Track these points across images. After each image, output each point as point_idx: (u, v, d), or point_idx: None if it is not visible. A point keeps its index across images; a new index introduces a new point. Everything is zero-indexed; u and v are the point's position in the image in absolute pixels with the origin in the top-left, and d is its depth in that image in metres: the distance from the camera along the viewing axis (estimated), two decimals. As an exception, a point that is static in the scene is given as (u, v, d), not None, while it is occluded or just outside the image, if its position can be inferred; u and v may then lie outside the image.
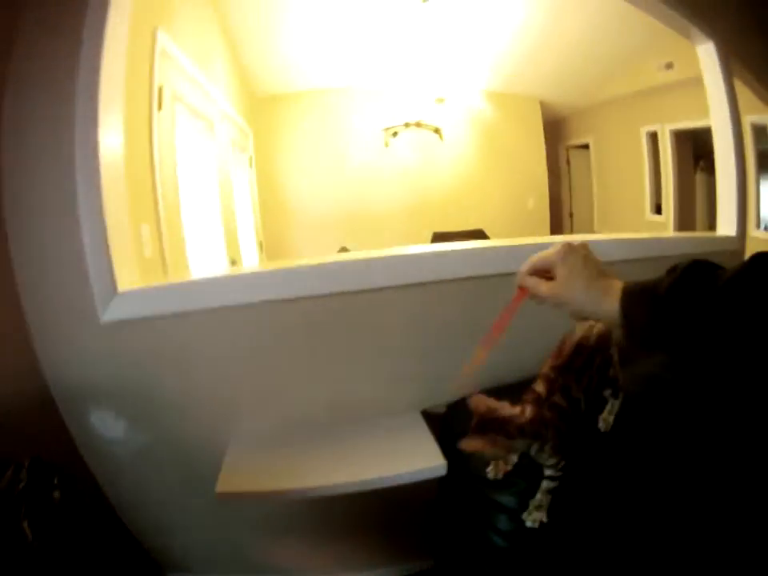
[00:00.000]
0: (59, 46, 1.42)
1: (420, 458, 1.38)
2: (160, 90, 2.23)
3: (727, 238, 2.29)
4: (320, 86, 5.72)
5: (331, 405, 1.62)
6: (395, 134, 6.23)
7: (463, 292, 1.63)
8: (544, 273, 0.86)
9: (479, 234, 6.15)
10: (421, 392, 1.66)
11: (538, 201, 7.21)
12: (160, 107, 2.24)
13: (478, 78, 5.53)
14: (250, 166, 5.01)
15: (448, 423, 1.56)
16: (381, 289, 1.57)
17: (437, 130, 6.40)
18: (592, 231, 7.51)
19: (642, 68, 5.41)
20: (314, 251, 5.53)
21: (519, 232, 6.69)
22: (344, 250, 4.89)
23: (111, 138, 1.49)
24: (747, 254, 2.01)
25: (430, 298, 1.62)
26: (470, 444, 0.96)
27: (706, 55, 2.33)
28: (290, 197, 5.98)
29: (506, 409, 1.01)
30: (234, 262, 3.44)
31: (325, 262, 1.55)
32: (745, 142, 4.47)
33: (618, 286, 0.78)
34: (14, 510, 1.17)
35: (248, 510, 1.66)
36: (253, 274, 1.58)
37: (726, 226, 2.34)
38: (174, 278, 2.08)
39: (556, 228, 8.08)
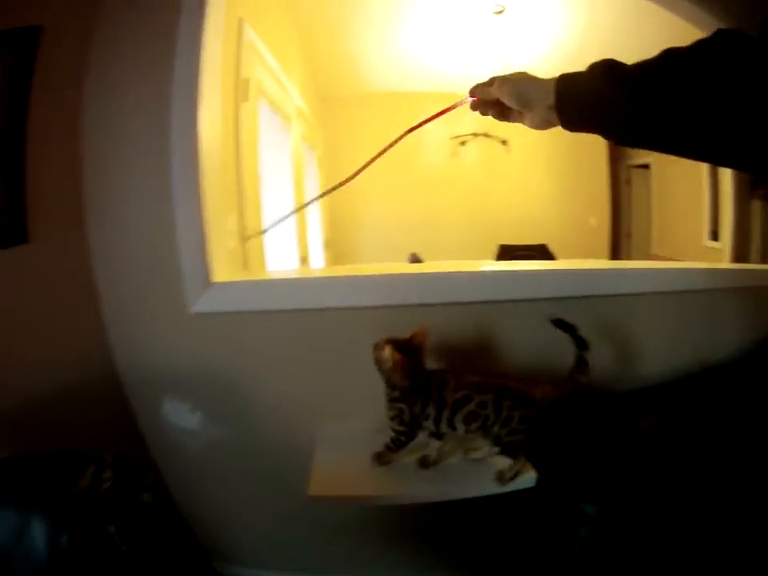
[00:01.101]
0: (154, 29, 1.40)
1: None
2: (246, 82, 2.20)
3: None
4: (390, 89, 5.71)
5: None
6: (463, 143, 6.17)
7: (530, 311, 1.57)
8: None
9: (543, 249, 6.09)
10: None
11: (599, 219, 7.14)
12: (246, 98, 2.21)
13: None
14: (319, 164, 5.01)
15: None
16: (483, 302, 1.53)
17: (504, 142, 6.30)
18: (649, 252, 7.35)
19: None
20: (377, 253, 5.55)
21: (580, 249, 6.60)
22: (414, 257, 4.82)
23: (209, 124, 1.45)
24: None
25: (511, 314, 1.58)
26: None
27: None
28: (356, 198, 5.87)
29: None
30: (303, 259, 3.40)
31: (424, 273, 1.53)
32: None
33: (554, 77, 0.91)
34: (100, 512, 1.13)
35: (315, 512, 1.60)
36: (348, 278, 1.54)
37: None
38: (254, 271, 2.06)
39: (614, 248, 7.99)
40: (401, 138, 1.20)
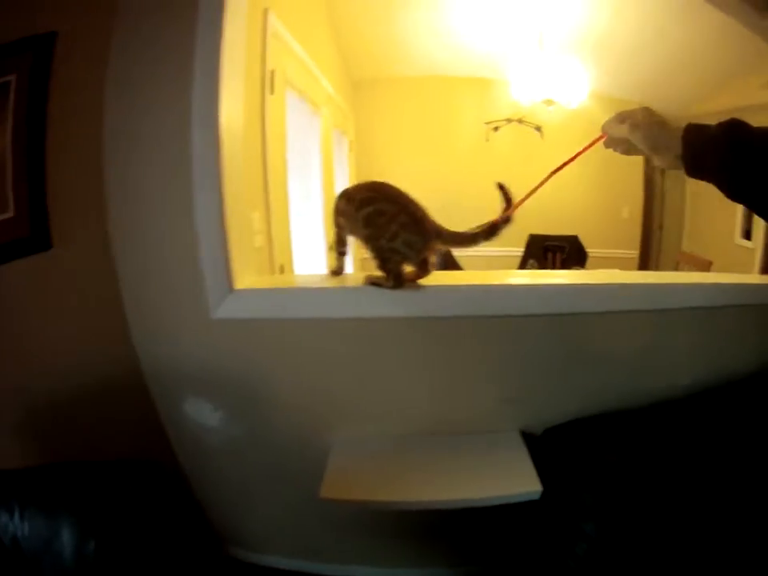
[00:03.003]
0: (173, 29, 1.37)
1: (516, 481, 1.40)
2: (272, 73, 2.17)
3: None
4: (423, 73, 5.58)
5: (433, 419, 1.61)
6: (497, 128, 6.01)
7: (566, 325, 1.61)
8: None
9: (574, 241, 5.93)
10: (524, 414, 1.64)
11: (632, 211, 7.06)
12: (272, 91, 2.18)
13: (584, 77, 5.29)
14: (350, 149, 4.98)
15: (543, 446, 1.57)
16: (496, 317, 1.52)
17: (538, 128, 6.16)
18: (680, 246, 7.24)
19: (743, 85, 5.21)
20: None
21: (611, 241, 6.61)
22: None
23: (232, 124, 1.42)
24: None
25: (540, 329, 1.60)
26: None
27: None
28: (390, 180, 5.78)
29: None
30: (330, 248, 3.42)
31: (444, 286, 1.50)
32: None
33: (678, 126, 1.00)
34: (126, 520, 1.19)
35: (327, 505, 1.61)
36: (365, 290, 1.48)
37: None
38: (282, 271, 2.04)
39: (645, 239, 7.91)
40: (552, 174, 1.35)
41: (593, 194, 6.67)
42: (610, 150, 1.21)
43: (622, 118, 1.10)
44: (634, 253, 7.13)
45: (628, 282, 1.69)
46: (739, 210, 5.97)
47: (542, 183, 1.39)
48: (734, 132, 0.94)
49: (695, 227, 7.12)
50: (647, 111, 1.09)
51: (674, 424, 1.60)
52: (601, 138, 1.20)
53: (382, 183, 1.39)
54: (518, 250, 5.74)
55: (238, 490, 1.73)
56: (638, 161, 6.82)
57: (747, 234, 5.79)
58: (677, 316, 1.66)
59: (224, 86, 1.35)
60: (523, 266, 5.10)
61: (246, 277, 1.48)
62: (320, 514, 1.67)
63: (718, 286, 1.80)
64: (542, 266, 5.09)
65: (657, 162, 1.08)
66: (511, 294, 1.55)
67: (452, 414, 1.60)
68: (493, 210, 4.82)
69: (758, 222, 5.62)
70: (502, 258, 5.82)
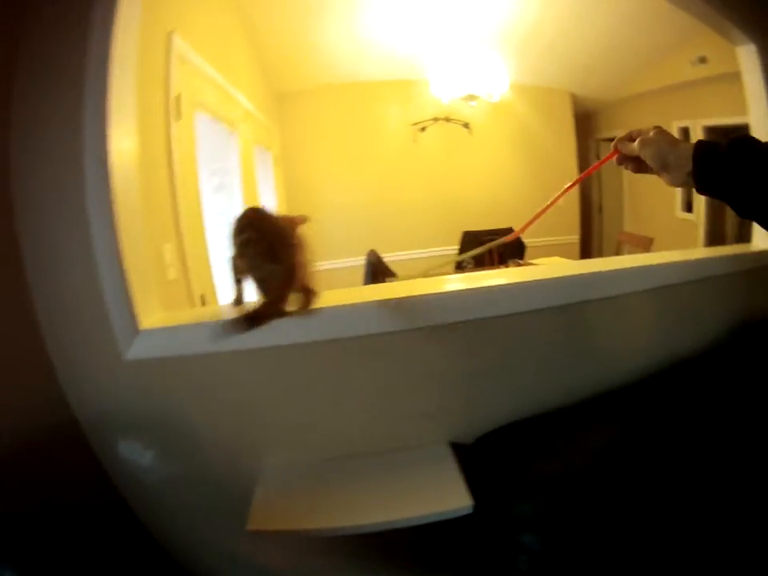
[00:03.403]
0: (63, 64, 1.37)
1: (446, 498, 1.39)
2: (178, 99, 2.15)
3: (764, 253, 2.15)
4: (347, 80, 5.64)
5: (359, 440, 1.63)
6: (423, 129, 6.11)
7: (495, 330, 1.65)
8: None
9: (509, 233, 5.97)
10: (450, 425, 1.67)
11: (568, 196, 6.97)
12: (179, 117, 2.16)
13: (507, 69, 5.40)
14: (276, 164, 4.98)
15: (475, 456, 1.58)
16: (409, 330, 1.56)
17: (466, 125, 6.26)
18: (621, 226, 7.47)
19: (674, 62, 5.32)
20: (340, 248, 5.41)
21: (551, 228, 6.66)
22: (372, 256, 4.77)
23: (124, 159, 1.42)
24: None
25: (462, 337, 1.63)
26: None
27: (747, 57, 2.22)
28: (317, 194, 5.85)
29: None
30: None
31: (358, 303, 1.53)
32: None
33: (689, 143, 1.03)
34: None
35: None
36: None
37: (763, 238, 2.19)
38: (204, 302, 2.04)
39: (585, 223, 8.05)
40: (563, 193, 1.41)
41: (528, 184, 6.70)
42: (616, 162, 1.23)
43: (633, 135, 1.13)
44: (575, 238, 7.27)
45: (549, 276, 1.74)
46: None
47: (552, 203, 1.44)
48: (743, 149, 0.96)
49: (635, 205, 7.37)
50: (659, 129, 1.10)
51: (613, 417, 1.63)
52: (612, 154, 1.22)
53: (256, 209, 1.35)
54: (452, 249, 5.83)
55: (187, 526, 1.71)
56: (569, 146, 7.07)
57: (689, 207, 6.00)
58: (618, 303, 1.77)
59: (114, 123, 1.35)
60: (459, 264, 5.14)
61: (156, 314, 1.48)
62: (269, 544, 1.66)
63: (658, 268, 1.90)
64: (480, 262, 5.13)
65: (667, 179, 1.09)
66: (426, 304, 1.57)
67: (376, 432, 1.62)
68: (426, 211, 4.85)
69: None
70: (436, 259, 6.00)
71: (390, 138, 6.17)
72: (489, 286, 1.71)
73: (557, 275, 1.77)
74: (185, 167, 2.16)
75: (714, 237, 5.45)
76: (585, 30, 4.91)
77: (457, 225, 5.92)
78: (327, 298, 1.44)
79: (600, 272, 1.80)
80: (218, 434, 1.57)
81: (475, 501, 1.37)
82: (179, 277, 1.97)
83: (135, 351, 1.41)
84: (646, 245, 5.13)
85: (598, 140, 8.06)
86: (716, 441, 1.54)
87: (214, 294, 2.33)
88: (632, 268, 1.88)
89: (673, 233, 6.06)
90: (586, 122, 7.95)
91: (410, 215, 6.30)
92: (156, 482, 1.62)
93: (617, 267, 1.87)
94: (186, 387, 1.52)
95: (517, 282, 1.73)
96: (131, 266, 1.38)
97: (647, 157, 1.09)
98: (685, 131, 5.90)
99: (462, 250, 5.59)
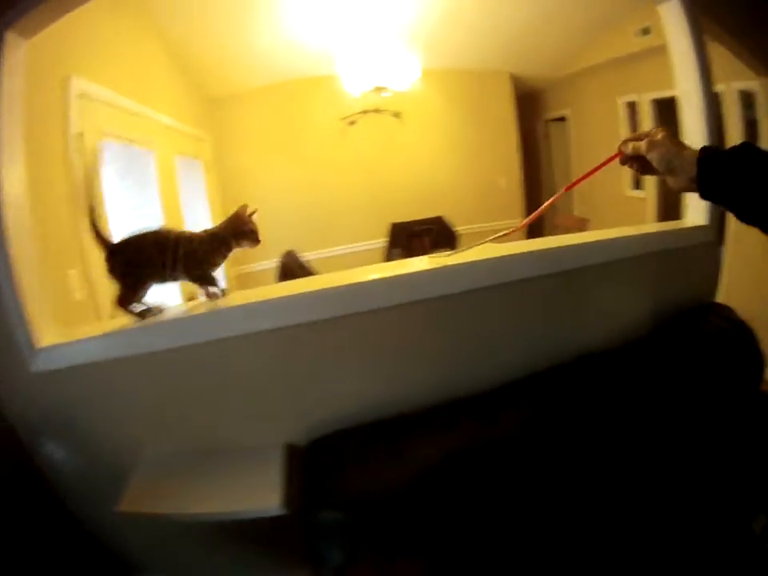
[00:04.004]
0: None
1: (260, 498, 1.51)
2: (80, 136, 2.41)
3: (699, 229, 2.19)
4: (275, 80, 5.73)
5: (209, 438, 1.80)
6: (353, 122, 6.24)
7: (324, 332, 1.75)
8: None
9: (439, 222, 6.13)
10: (287, 427, 1.78)
11: (510, 180, 7.20)
12: (82, 153, 2.42)
13: (413, 58, 5.49)
14: (208, 171, 5.09)
15: (310, 458, 1.62)
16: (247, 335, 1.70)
17: (397, 115, 6.42)
18: (571, 206, 7.57)
19: (617, 35, 5.42)
20: (277, 250, 5.43)
21: (490, 214, 6.78)
22: (289, 257, 4.88)
23: (15, 195, 1.66)
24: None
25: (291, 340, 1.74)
26: None
27: (669, 14, 2.17)
28: (251, 196, 5.59)
29: None
30: None
31: (199, 314, 1.73)
32: (732, 110, 4.60)
33: (694, 149, 1.10)
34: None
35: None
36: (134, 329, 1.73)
37: (695, 213, 2.22)
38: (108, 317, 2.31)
39: (534, 205, 8.15)
40: (567, 189, 1.55)
41: (466, 170, 6.86)
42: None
43: (641, 136, 1.18)
44: (519, 221, 7.19)
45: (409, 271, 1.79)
46: None
47: (554, 199, 1.61)
48: (745, 156, 1.01)
49: (585, 184, 7.30)
50: (666, 132, 1.15)
51: (458, 425, 1.62)
52: (617, 155, 1.27)
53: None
54: (380, 242, 6.00)
55: (107, 521, 1.85)
56: (509, 128, 7.15)
57: (637, 184, 6.16)
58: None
59: (4, 161, 1.60)
60: (389, 257, 5.22)
61: (54, 331, 1.73)
62: (180, 533, 1.84)
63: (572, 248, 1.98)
64: (410, 253, 5.18)
65: (671, 183, 1.15)
66: (264, 309, 1.71)
67: (222, 432, 1.80)
68: (359, 206, 4.96)
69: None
70: (363, 254, 6.14)
71: (320, 135, 6.25)
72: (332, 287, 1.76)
73: (423, 269, 1.79)
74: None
75: (667, 214, 5.45)
76: (513, 7, 4.99)
77: (389, 217, 6.07)
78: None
79: (483, 260, 1.83)
80: (109, 430, 1.76)
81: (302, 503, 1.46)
82: (87, 298, 2.27)
83: (36, 365, 1.65)
84: (580, 226, 5.18)
85: (547, 120, 8.16)
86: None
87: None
88: (531, 252, 1.92)
89: (623, 210, 6.23)
90: (533, 102, 8.04)
91: (341, 211, 6.44)
92: (72, 476, 1.81)
93: (513, 252, 1.90)
94: (82, 392, 1.72)
95: (371, 281, 1.76)
96: (27, 291, 1.63)
97: (653, 159, 1.15)
98: (632, 105, 6.02)
99: (391, 243, 5.65)
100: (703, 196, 1.09)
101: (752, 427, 1.85)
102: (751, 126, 4.59)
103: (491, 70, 6.78)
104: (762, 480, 1.72)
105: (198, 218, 4.59)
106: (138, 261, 1.61)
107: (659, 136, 1.14)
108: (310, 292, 1.73)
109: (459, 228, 6.41)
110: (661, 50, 2.24)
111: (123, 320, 1.73)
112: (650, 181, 5.83)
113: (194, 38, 4.41)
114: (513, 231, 1.71)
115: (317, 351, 1.75)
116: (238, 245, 1.71)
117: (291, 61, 5.30)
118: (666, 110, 5.33)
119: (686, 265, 2.16)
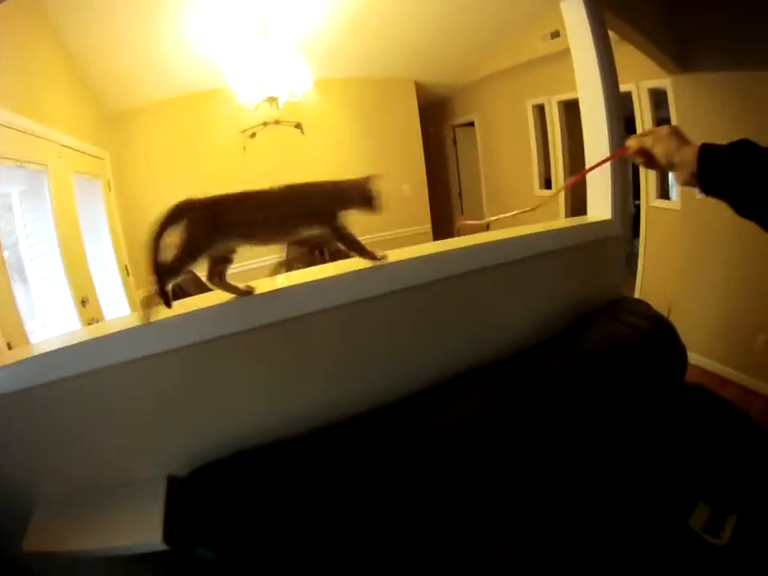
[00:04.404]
0: None
1: (146, 532, 1.42)
2: None
3: (603, 223, 2.20)
4: (176, 93, 5.52)
5: (100, 473, 1.66)
6: (253, 135, 6.15)
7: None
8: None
9: None
10: (169, 457, 1.65)
11: (414, 186, 7.28)
12: None
13: (304, 67, 5.15)
14: (109, 189, 4.90)
15: (186, 490, 1.52)
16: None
17: (298, 125, 6.32)
18: (481, 210, 7.74)
19: (525, 39, 5.52)
20: None
21: (395, 221, 6.82)
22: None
23: None
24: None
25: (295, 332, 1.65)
26: None
27: (571, 11, 2.14)
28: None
29: None
30: (84, 301, 3.54)
31: (71, 345, 1.56)
32: (644, 106, 4.70)
33: (696, 144, 1.14)
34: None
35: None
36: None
37: (598, 207, 2.24)
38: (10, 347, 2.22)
39: (446, 211, 8.33)
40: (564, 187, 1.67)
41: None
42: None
43: (647, 132, 1.25)
44: (427, 227, 7.38)
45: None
46: (534, 159, 6.45)
47: (553, 195, 1.69)
48: (742, 152, 1.06)
49: (495, 186, 7.54)
50: (672, 128, 1.21)
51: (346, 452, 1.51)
52: (623, 150, 1.32)
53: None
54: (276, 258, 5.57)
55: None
56: (415, 136, 7.18)
57: (547, 183, 6.36)
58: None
59: None
60: (290, 268, 5.16)
61: None
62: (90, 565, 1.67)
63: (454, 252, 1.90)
64: (312, 263, 5.14)
65: (675, 177, 1.20)
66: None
67: (108, 466, 1.65)
68: None
69: (557, 169, 6.08)
70: (258, 272, 5.86)
71: (221, 149, 6.10)
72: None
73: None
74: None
75: (578, 212, 5.49)
76: (417, 15, 4.94)
77: None
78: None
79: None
80: (11, 467, 1.62)
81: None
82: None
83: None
84: (481, 231, 5.08)
85: (454, 126, 8.33)
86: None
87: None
88: (416, 258, 1.84)
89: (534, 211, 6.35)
90: (442, 108, 8.22)
91: None
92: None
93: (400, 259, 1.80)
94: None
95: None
96: None
97: (657, 154, 1.21)
98: (540, 108, 6.21)
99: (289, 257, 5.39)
100: (704, 191, 1.12)
101: (680, 422, 1.88)
102: (663, 122, 4.67)
103: (395, 78, 6.78)
104: (695, 472, 1.76)
105: (100, 240, 4.45)
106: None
107: (663, 132, 1.21)
108: (186, 314, 1.57)
109: (364, 237, 6.27)
110: (568, 53, 2.25)
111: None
112: (559, 179, 6.07)
113: (94, 51, 4.22)
114: (531, 209, 1.74)
115: (197, 376, 1.63)
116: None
117: (191, 73, 5.14)
118: (576, 111, 5.53)
119: (592, 260, 2.19)
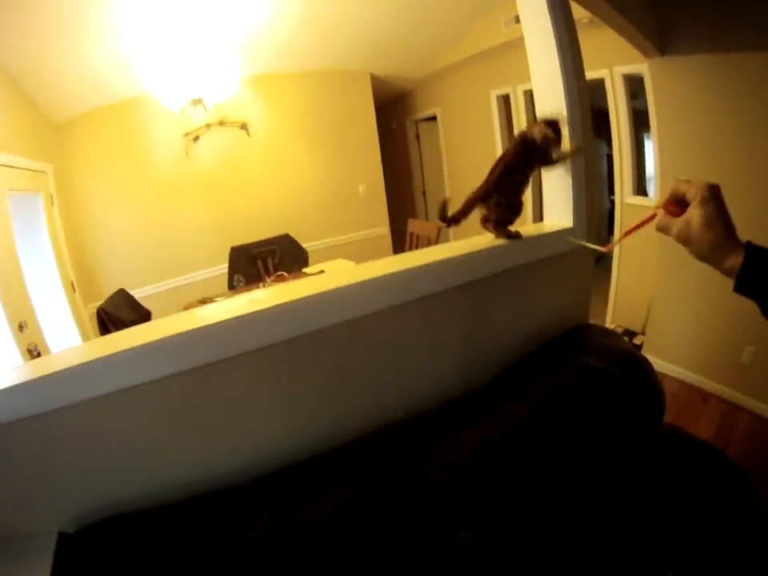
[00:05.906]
0: None
1: None
2: None
3: (564, 232, 1.79)
4: (117, 99, 5.42)
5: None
6: (196, 138, 5.96)
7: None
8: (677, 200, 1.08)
9: (285, 240, 5.66)
10: (60, 512, 1.46)
11: (371, 186, 7.15)
12: None
13: (233, 68, 5.20)
14: (52, 203, 4.80)
15: (73, 548, 1.34)
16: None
17: (243, 126, 6.17)
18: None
19: (487, 26, 5.47)
20: (127, 284, 5.03)
21: (350, 225, 6.80)
22: (115, 296, 4.48)
23: None
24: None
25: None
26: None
27: None
28: (101, 225, 5.52)
29: None
30: (21, 326, 3.49)
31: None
32: (618, 96, 4.62)
33: (740, 250, 1.00)
34: None
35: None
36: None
37: (557, 214, 1.89)
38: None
39: (409, 211, 8.22)
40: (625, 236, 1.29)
41: (318, 180, 6.70)
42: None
43: (681, 188, 1.04)
44: (384, 230, 7.29)
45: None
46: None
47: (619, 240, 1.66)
48: None
49: (459, 182, 7.48)
50: (717, 205, 1.01)
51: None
52: (651, 217, 1.13)
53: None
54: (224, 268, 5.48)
55: None
56: (369, 133, 7.07)
57: None
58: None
59: None
60: (231, 283, 5.05)
61: None
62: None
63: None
64: (253, 277, 5.10)
65: (692, 254, 1.06)
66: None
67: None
68: (206, 229, 4.82)
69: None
70: (213, 281, 5.92)
71: (164, 154, 5.88)
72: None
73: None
74: None
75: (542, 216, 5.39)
76: (372, 7, 4.96)
77: (235, 238, 5.62)
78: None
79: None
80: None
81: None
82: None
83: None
84: (432, 234, 4.93)
85: (417, 120, 8.35)
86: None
87: None
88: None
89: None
90: (404, 102, 8.23)
91: (187, 237, 6.10)
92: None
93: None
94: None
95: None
96: None
97: (706, 216, 1.01)
98: (506, 98, 6.20)
99: (231, 269, 5.26)
100: (737, 288, 1.01)
101: (649, 488, 1.61)
102: (639, 114, 4.81)
103: (349, 71, 6.73)
104: (666, 539, 1.54)
105: (41, 257, 4.40)
106: None
107: (707, 193, 1.01)
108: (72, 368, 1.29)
109: (315, 243, 6.31)
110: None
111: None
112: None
113: (29, 66, 4.18)
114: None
115: (95, 429, 1.39)
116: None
117: (122, 81, 5.09)
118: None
119: (548, 280, 1.87)
